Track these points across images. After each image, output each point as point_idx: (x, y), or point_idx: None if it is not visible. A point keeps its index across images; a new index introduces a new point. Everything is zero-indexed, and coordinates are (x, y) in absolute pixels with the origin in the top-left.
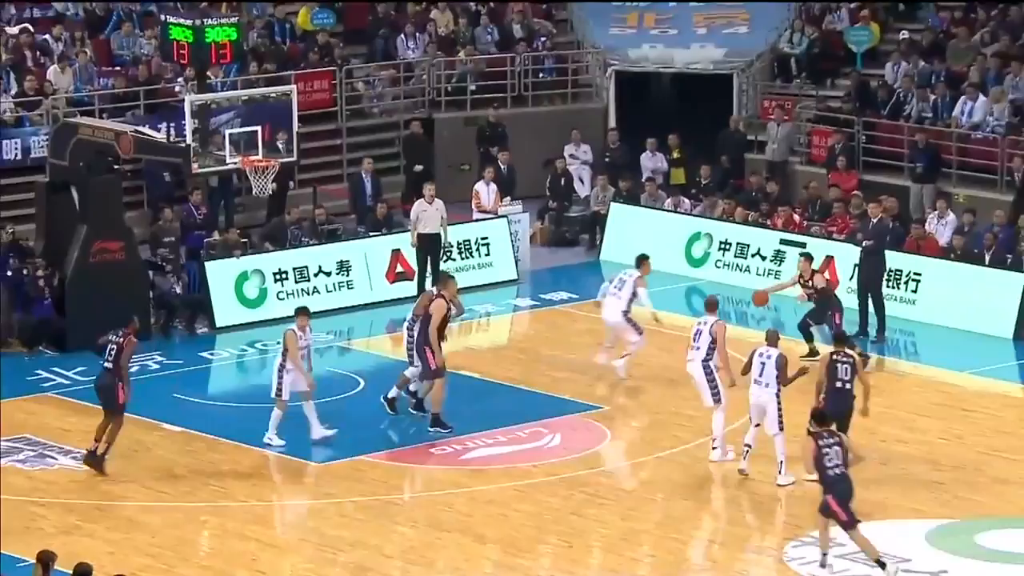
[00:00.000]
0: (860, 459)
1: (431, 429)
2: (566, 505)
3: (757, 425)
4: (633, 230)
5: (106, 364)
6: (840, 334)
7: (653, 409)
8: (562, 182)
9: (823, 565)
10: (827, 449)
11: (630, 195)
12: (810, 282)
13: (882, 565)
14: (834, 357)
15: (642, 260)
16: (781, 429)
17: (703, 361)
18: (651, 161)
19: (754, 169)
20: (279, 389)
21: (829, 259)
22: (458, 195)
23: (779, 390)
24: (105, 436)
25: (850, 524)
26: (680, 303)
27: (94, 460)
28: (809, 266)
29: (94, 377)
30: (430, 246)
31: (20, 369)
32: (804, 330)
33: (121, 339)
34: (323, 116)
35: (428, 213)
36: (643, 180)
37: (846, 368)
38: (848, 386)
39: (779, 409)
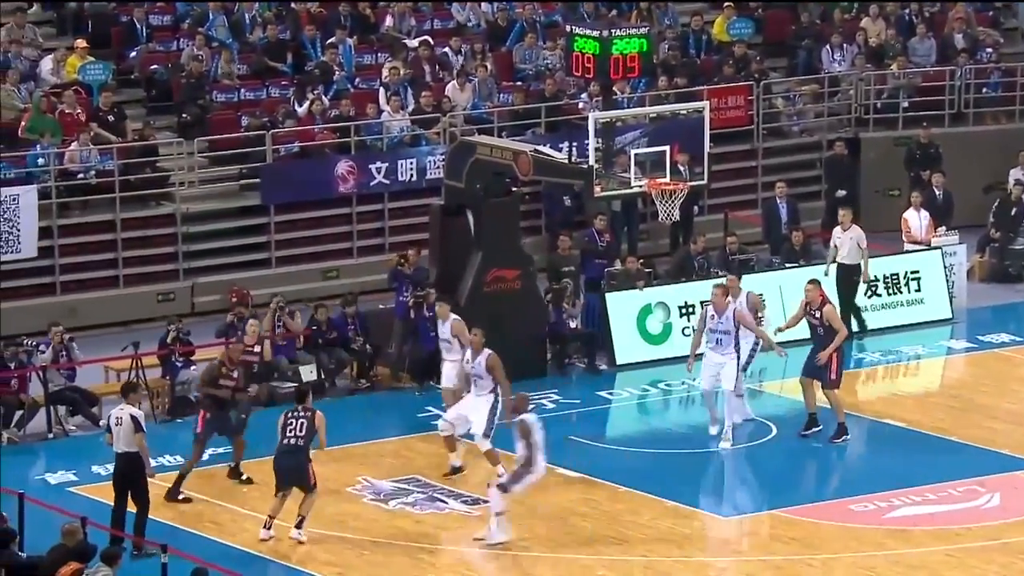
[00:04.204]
0: (323, 443)
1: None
2: (1005, 574)
3: None
4: None
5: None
6: None
7: None
8: (1012, 211)
9: (268, 527)
10: (292, 420)
11: None
12: (817, 312)
13: (299, 526)
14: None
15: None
16: None
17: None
18: None
19: None
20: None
21: None
22: (886, 223)
23: None
24: None
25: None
26: None
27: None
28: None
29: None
30: (845, 278)
31: (411, 405)
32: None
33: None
34: (737, 135)
35: (842, 241)
36: None
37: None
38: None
39: None
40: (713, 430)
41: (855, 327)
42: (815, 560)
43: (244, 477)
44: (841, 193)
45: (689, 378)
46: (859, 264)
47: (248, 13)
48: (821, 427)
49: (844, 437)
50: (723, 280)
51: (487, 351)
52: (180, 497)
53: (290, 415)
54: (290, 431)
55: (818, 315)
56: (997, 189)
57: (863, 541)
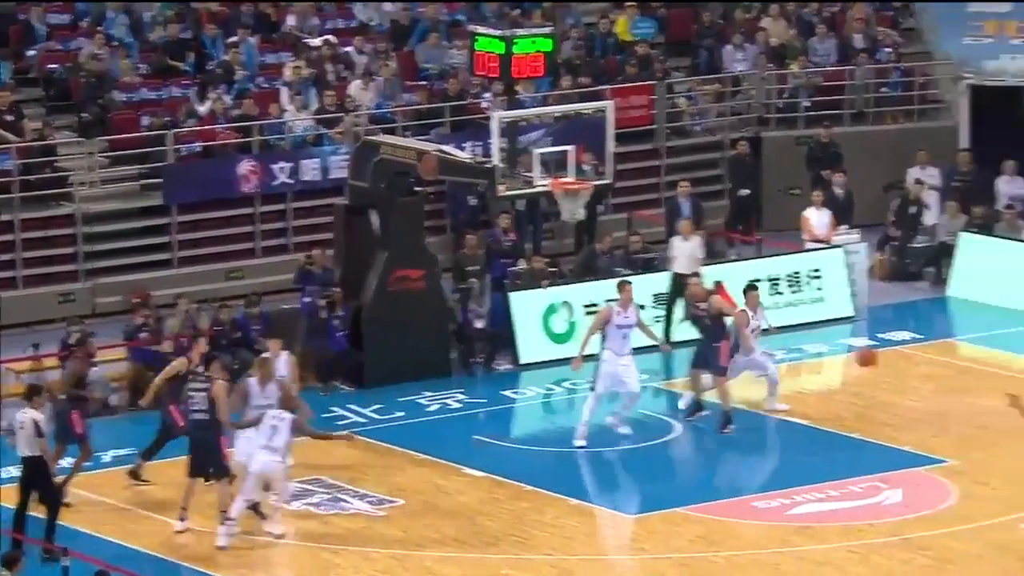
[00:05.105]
0: (224, 420)
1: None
2: (907, 570)
3: None
4: (986, 264)
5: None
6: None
7: (1009, 464)
8: (911, 210)
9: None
10: (193, 393)
11: (984, 224)
12: (703, 304)
13: (228, 520)
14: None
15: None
16: None
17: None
18: (1009, 186)
19: None
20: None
21: None
22: (788, 222)
23: None
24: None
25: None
26: None
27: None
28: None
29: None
30: (677, 287)
31: (314, 405)
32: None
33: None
34: (641, 135)
35: (680, 250)
36: (997, 207)
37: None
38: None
39: None
40: (579, 438)
41: (659, 334)
42: (719, 557)
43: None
44: (744, 192)
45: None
46: (693, 274)
47: (148, 12)
48: (708, 412)
49: (729, 427)
50: (627, 276)
51: (286, 353)
52: (65, 500)
53: (191, 384)
54: (193, 404)
55: (704, 307)
56: (896, 188)
57: (767, 537)
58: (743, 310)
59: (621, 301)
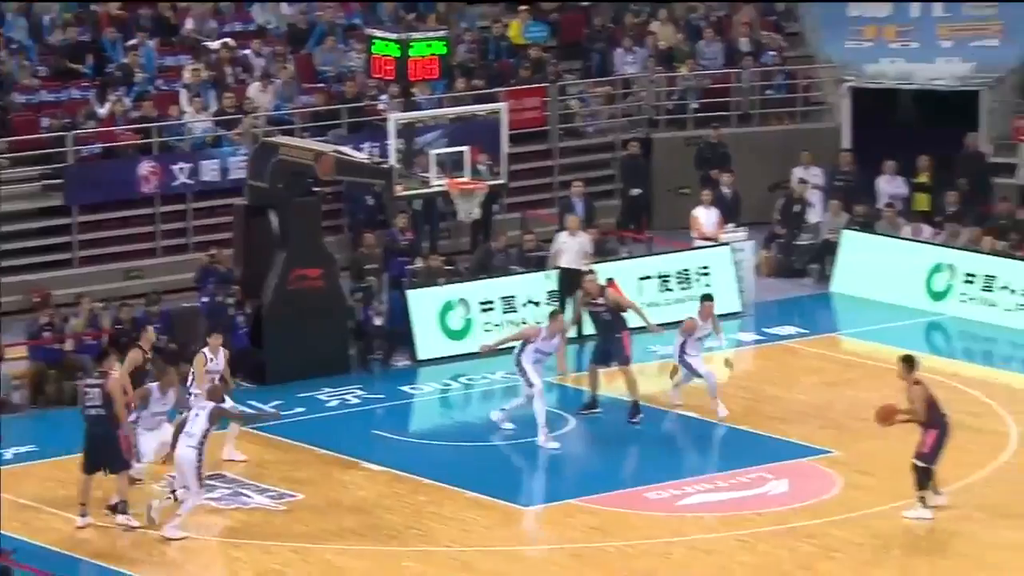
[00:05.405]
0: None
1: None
2: (793, 558)
3: None
4: (868, 260)
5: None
6: None
7: (891, 455)
8: (796, 208)
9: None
10: (88, 389)
11: (866, 222)
12: (599, 300)
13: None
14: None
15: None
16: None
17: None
18: (889, 185)
19: (1004, 195)
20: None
21: None
22: (678, 221)
23: None
24: None
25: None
26: (919, 341)
27: None
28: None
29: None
30: (569, 283)
31: None
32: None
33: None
34: (534, 136)
35: (569, 245)
36: (878, 206)
37: None
38: None
39: None
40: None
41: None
42: (612, 547)
43: None
44: (635, 192)
45: (489, 372)
46: (580, 269)
47: (47, 15)
48: (600, 410)
49: (638, 417)
50: (556, 307)
51: (223, 349)
52: None
53: (87, 380)
54: (88, 399)
55: (601, 302)
56: (782, 187)
57: (659, 527)
58: (692, 318)
59: (550, 328)
